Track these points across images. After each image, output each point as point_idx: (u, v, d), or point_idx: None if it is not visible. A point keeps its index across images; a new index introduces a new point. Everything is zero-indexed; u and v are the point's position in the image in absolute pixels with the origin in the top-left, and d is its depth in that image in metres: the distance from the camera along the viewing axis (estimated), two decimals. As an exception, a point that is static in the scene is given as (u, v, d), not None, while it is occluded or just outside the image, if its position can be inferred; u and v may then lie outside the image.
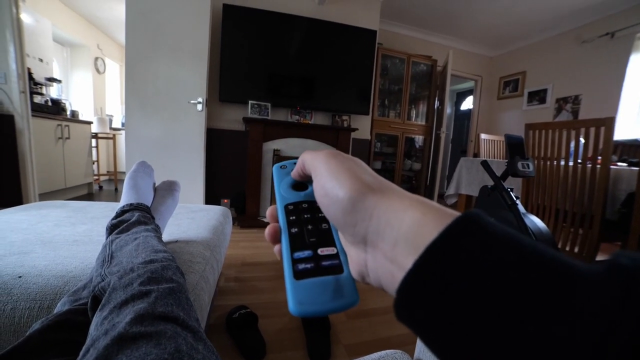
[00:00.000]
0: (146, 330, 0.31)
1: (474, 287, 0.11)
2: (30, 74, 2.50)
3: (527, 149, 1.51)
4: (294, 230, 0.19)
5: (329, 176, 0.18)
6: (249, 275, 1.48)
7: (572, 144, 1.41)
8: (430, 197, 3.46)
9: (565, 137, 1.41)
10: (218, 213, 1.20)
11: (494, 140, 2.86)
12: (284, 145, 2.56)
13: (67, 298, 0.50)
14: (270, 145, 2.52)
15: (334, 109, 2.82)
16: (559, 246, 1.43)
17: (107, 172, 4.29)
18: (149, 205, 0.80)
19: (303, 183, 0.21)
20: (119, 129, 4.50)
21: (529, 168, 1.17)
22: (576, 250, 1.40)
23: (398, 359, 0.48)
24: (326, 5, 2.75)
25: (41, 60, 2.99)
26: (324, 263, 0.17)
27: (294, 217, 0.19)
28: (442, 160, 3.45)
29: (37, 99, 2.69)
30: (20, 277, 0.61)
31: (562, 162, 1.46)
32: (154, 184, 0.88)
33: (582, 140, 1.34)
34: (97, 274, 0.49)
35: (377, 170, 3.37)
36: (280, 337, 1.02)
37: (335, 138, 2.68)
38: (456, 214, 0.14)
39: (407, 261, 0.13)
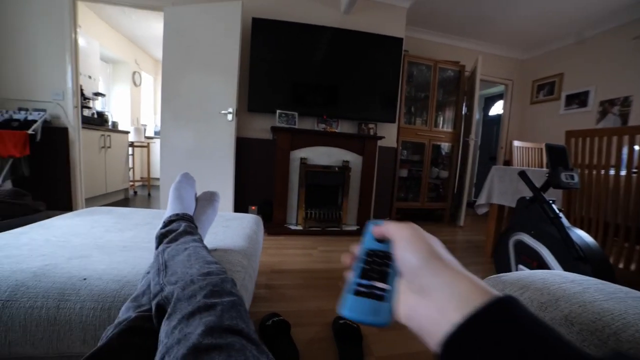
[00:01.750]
0: (217, 342, 0.34)
1: None
2: (81, 90, 2.74)
3: (570, 158, 1.43)
4: (366, 266, 0.27)
5: (415, 242, 0.24)
6: (278, 282, 1.51)
7: (625, 151, 1.27)
8: (459, 206, 3.35)
9: (616, 143, 1.26)
10: (251, 221, 1.24)
11: (528, 148, 2.73)
12: (311, 153, 2.60)
13: (130, 304, 0.54)
14: (297, 154, 2.57)
15: (360, 117, 2.82)
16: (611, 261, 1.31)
17: (141, 178, 4.55)
18: (192, 215, 0.85)
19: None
20: (151, 138, 4.78)
21: (573, 179, 1.10)
22: (632, 267, 1.27)
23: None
24: (352, 15, 2.79)
25: (90, 77, 3.27)
26: (375, 292, 0.24)
27: (369, 258, 0.27)
28: (470, 168, 3.34)
29: (86, 112, 2.93)
30: (85, 279, 0.67)
31: (612, 172, 1.32)
32: (196, 194, 0.93)
33: (636, 147, 1.23)
34: (156, 283, 0.52)
35: (403, 179, 3.32)
36: (313, 347, 1.03)
37: (362, 146, 2.68)
38: (496, 294, 0.19)
39: (455, 315, 0.18)
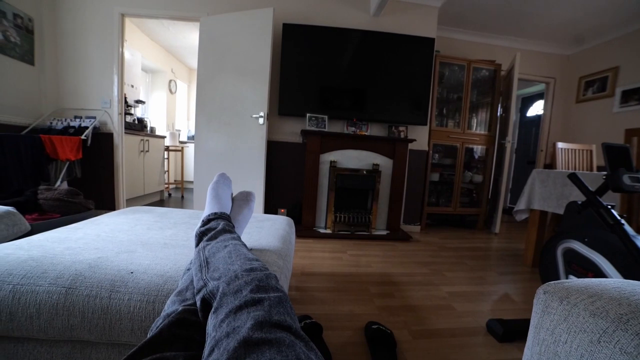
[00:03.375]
0: (267, 337, 0.34)
1: None
2: (125, 98, 2.95)
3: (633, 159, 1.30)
4: None
5: None
6: (308, 285, 1.50)
7: None
8: (493, 212, 3.17)
9: None
10: (284, 223, 1.25)
11: (574, 150, 2.52)
12: (341, 156, 2.59)
13: (175, 297, 0.56)
14: (327, 157, 2.57)
15: (390, 120, 2.77)
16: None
17: (175, 181, 4.78)
18: (229, 214, 0.87)
19: None
20: (184, 142, 5.03)
21: (639, 182, 0.99)
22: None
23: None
24: (381, 17, 2.77)
25: (132, 86, 3.52)
26: None
27: None
28: (506, 172, 3.15)
29: (128, 119, 3.14)
30: (132, 273, 0.70)
31: None
32: (232, 193, 0.95)
33: None
34: (198, 279, 0.54)
35: (434, 183, 3.20)
36: (345, 350, 1.00)
37: (392, 149, 2.63)
38: None
39: None
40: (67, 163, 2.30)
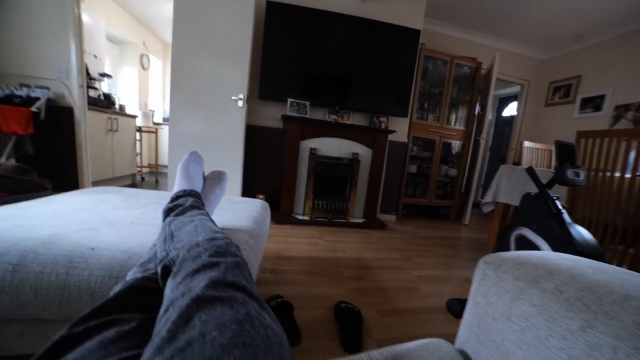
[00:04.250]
0: (220, 295, 0.34)
1: None
2: (87, 69, 2.69)
3: (578, 157, 1.41)
4: None
5: None
6: (283, 268, 1.51)
7: (632, 155, 1.31)
8: (465, 204, 3.32)
9: (624, 147, 1.30)
10: (259, 206, 1.24)
11: (538, 149, 2.68)
12: (321, 144, 2.58)
13: (137, 268, 0.55)
14: (307, 144, 2.55)
15: (372, 110, 2.79)
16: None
17: (149, 164, 4.57)
18: (200, 193, 0.85)
19: None
20: (159, 124, 4.79)
21: (579, 177, 1.09)
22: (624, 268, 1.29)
23: (441, 347, 0.49)
24: (369, 3, 2.73)
25: (95, 56, 3.25)
26: None
27: None
28: (479, 168, 3.29)
29: (92, 93, 2.92)
30: (93, 249, 0.67)
31: (617, 174, 1.36)
32: (204, 172, 0.93)
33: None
34: (162, 250, 0.53)
35: (411, 174, 3.29)
36: (315, 328, 1.04)
37: (373, 139, 2.66)
38: None
39: None
40: (14, 138, 2.06)
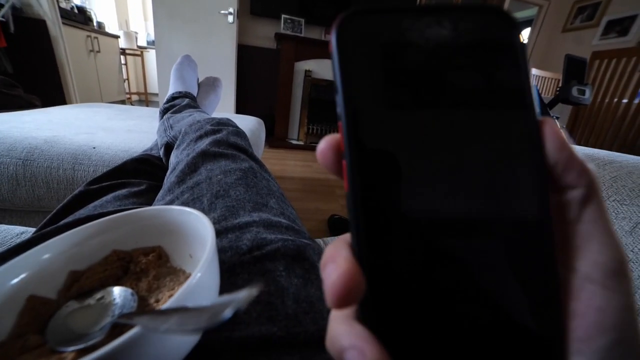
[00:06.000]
0: (224, 152, 0.37)
1: None
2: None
3: (587, 76, 1.37)
4: None
5: None
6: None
7: None
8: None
9: None
10: (253, 121, 1.24)
11: (544, 77, 2.57)
12: (316, 66, 2.44)
13: (140, 153, 0.57)
14: (302, 66, 2.42)
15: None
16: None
17: (137, 92, 4.36)
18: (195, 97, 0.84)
19: None
20: (144, 47, 4.41)
21: (584, 95, 1.07)
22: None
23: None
24: None
25: (63, -41, 2.81)
26: None
27: None
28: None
29: (63, 4, 2.61)
30: (94, 148, 0.69)
31: (624, 101, 1.32)
32: (198, 79, 0.90)
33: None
34: (162, 137, 0.55)
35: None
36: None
37: (370, 62, 2.51)
38: None
39: None
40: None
